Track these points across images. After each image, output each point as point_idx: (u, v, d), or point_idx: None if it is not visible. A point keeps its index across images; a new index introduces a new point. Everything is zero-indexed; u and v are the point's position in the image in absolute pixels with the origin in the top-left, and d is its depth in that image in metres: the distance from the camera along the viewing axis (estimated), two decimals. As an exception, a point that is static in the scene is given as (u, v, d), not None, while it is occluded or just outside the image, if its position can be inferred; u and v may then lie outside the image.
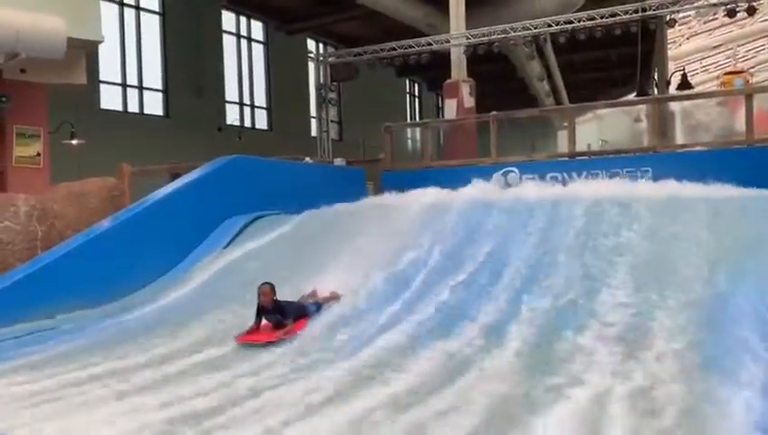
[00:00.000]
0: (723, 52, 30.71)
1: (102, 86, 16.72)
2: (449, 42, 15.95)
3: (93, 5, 10.90)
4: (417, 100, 32.19)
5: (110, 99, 17.03)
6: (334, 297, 6.21)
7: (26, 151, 10.72)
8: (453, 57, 15.81)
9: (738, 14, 15.03)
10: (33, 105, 10.78)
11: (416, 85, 31.77)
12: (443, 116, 17.92)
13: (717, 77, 27.58)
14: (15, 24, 9.39)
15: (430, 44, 16.48)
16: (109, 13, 15.92)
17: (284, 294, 6.44)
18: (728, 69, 24.43)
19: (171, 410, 3.95)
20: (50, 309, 6.65)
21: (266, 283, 5.78)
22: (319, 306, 6.01)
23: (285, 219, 8.73)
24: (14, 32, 9.40)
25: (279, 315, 5.62)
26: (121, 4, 17.44)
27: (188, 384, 4.47)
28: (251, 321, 5.71)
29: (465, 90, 15.20)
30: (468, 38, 15.72)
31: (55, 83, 10.96)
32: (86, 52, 11.23)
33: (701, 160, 9.87)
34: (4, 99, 10.38)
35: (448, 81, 15.64)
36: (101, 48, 13.06)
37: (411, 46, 16.73)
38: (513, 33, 15.76)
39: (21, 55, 9.72)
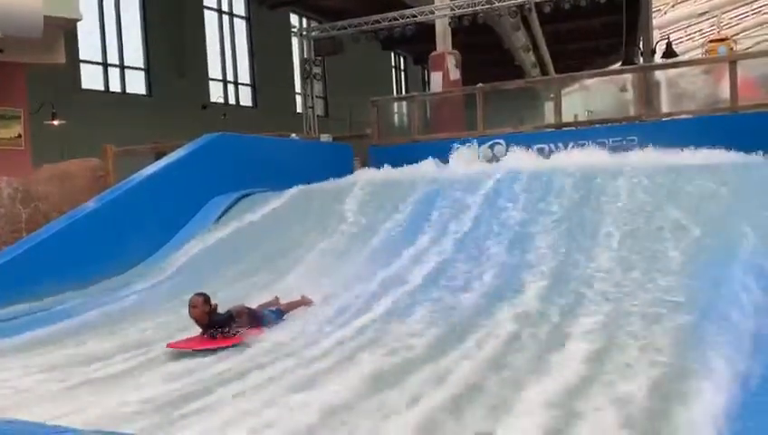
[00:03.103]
0: (707, 19, 30.62)
1: (83, 66, 16.46)
2: (434, 13, 15.81)
3: (70, -18, 10.68)
4: (402, 73, 31.98)
5: (91, 78, 16.79)
6: (305, 303, 5.45)
7: (7, 133, 10.56)
8: (438, 29, 15.69)
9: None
10: (12, 86, 10.60)
11: (401, 58, 31.53)
12: (429, 89, 17.82)
13: (702, 45, 27.54)
14: (-10, 3, 9.20)
15: (414, 16, 16.32)
16: (86, -10, 15.60)
17: (273, 271, 6.45)
18: (713, 37, 24.38)
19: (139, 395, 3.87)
20: (36, 292, 6.60)
21: (198, 293, 4.85)
22: (280, 314, 5.21)
23: (272, 197, 8.69)
24: (-10, 11, 9.21)
25: (219, 330, 4.75)
26: (99, -19, 17.11)
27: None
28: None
29: (451, 62, 15.12)
30: (453, 9, 15.59)
31: (34, 63, 10.77)
32: (64, 30, 11.03)
33: (686, 128, 9.90)
34: (-19, 80, 10.20)
35: (434, 53, 15.54)
36: (81, 27, 12.83)
37: (396, 18, 16.57)
38: (498, 4, 15.63)
39: (-3, 35, 9.54)
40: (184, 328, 5.17)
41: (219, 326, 4.75)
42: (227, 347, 4.60)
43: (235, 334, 4.74)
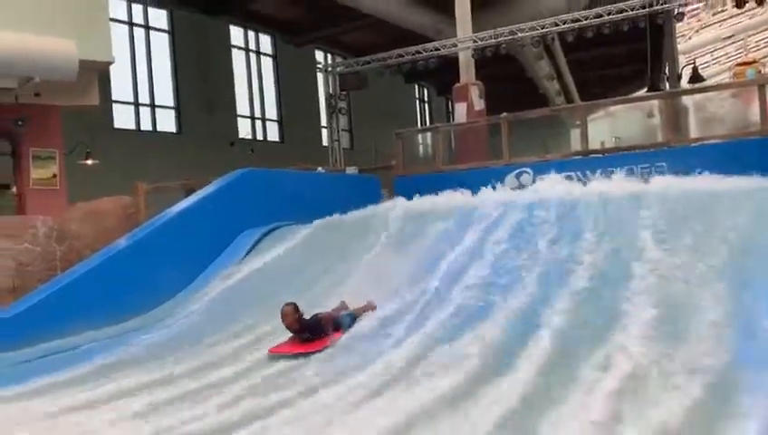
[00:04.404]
0: (734, 43, 30.42)
1: (115, 106, 16.93)
2: (456, 45, 15.95)
3: (104, 27, 11.05)
4: (426, 105, 32.22)
5: (123, 118, 17.24)
6: (370, 307, 5.96)
7: (43, 174, 10.86)
8: (461, 61, 15.80)
9: (747, 4, 14.91)
10: (49, 128, 10.93)
11: (425, 90, 31.81)
12: (453, 120, 17.90)
13: (729, 68, 27.31)
14: (29, 49, 9.55)
15: (437, 49, 16.49)
16: (119, 33, 16.14)
17: (302, 305, 6.50)
18: (740, 60, 24.17)
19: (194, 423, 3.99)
20: (71, 329, 6.71)
21: (288, 303, 5.54)
22: (354, 318, 5.76)
23: (300, 229, 8.76)
24: (28, 56, 9.56)
25: (308, 334, 5.42)
26: (131, 25, 17.68)
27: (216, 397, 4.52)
28: (266, 334, 5.74)
29: (475, 93, 15.17)
30: (475, 41, 15.72)
31: (69, 105, 11.11)
32: (98, 73, 11.38)
33: (716, 153, 9.77)
34: (20, 123, 10.53)
35: (457, 84, 15.62)
36: (113, 68, 13.22)
37: (419, 52, 16.76)
38: (521, 34, 15.73)
39: (35, 79, 9.87)
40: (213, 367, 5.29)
41: (310, 331, 5.40)
42: (321, 350, 5.25)
43: (322, 338, 5.39)
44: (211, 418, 4.05)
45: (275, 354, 5.32)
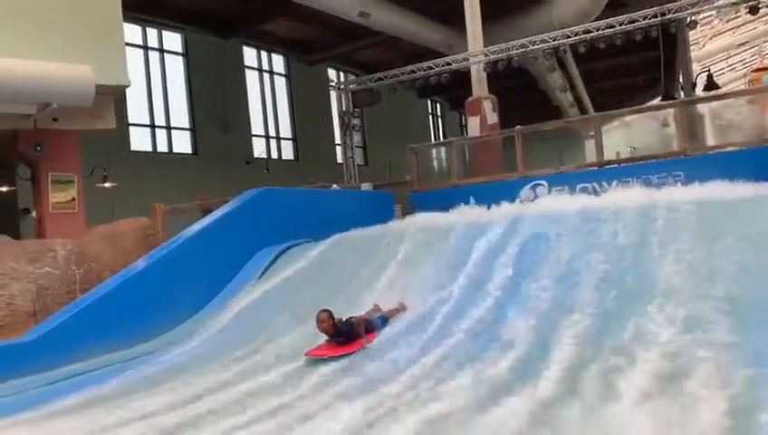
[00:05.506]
0: (748, 49, 30.21)
1: (132, 128, 17.14)
2: (468, 60, 15.98)
3: (119, 52, 11.19)
4: (439, 119, 32.29)
5: (139, 140, 17.44)
6: (402, 309, 6.24)
7: (62, 197, 10.96)
8: (473, 75, 15.82)
9: (761, 11, 14.80)
10: (67, 152, 11.05)
11: (437, 105, 31.89)
12: (467, 134, 17.90)
13: (745, 75, 27.07)
14: (47, 76, 9.69)
15: (449, 64, 16.53)
16: (134, 57, 16.38)
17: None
18: (755, 66, 23.94)
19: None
20: (92, 351, 6.75)
21: (323, 310, 5.82)
22: (386, 320, 6.02)
23: (316, 247, 8.77)
24: (46, 83, 9.70)
25: (342, 338, 5.66)
26: (146, 48, 17.95)
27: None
28: (288, 350, 5.88)
29: (488, 106, 15.17)
30: (487, 55, 15.74)
31: (86, 129, 11.25)
32: (114, 96, 11.52)
33: (734, 161, 9.67)
34: (38, 148, 10.67)
35: (470, 98, 15.63)
36: (129, 92, 13.39)
37: (431, 67, 16.80)
38: (532, 47, 15.72)
39: (53, 105, 10.01)
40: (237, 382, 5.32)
41: (345, 335, 5.65)
42: (355, 351, 5.52)
43: (356, 340, 5.64)
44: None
45: (312, 357, 5.55)
